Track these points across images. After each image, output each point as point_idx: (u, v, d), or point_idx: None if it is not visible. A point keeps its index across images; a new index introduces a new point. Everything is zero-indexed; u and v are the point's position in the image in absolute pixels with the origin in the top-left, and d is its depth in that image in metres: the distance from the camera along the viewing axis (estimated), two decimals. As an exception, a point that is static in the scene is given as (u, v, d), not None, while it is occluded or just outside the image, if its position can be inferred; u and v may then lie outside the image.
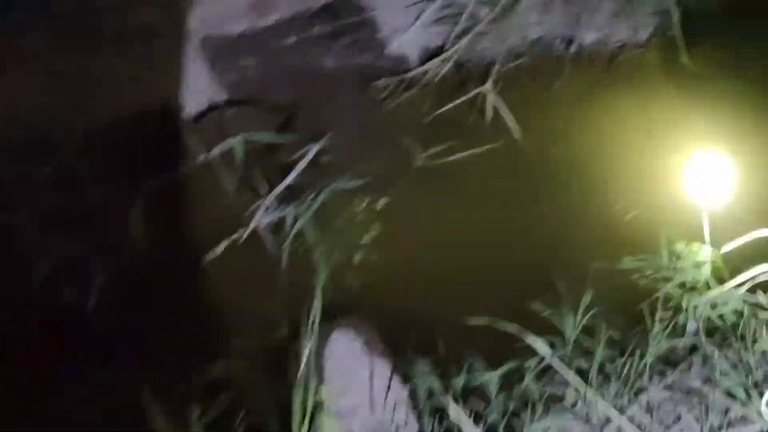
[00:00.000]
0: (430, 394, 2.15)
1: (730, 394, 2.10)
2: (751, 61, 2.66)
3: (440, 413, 2.12)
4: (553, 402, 2.14)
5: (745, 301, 2.21)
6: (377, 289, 2.39)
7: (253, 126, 2.67)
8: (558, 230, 2.49)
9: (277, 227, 2.50)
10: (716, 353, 2.17)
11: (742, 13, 2.73)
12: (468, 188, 2.61)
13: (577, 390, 2.15)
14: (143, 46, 2.71)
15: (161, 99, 2.70)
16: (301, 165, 2.59)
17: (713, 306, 2.23)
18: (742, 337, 2.18)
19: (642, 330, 2.23)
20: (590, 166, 2.57)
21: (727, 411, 2.09)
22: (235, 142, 2.58)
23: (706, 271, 2.28)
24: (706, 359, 2.18)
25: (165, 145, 2.65)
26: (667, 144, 2.56)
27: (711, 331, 2.23)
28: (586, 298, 2.23)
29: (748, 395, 2.08)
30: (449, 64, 2.80)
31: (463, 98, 2.76)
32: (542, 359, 2.19)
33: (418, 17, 2.83)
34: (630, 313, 2.26)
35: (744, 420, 2.06)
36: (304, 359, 2.10)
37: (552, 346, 2.21)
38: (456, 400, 2.12)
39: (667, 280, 2.29)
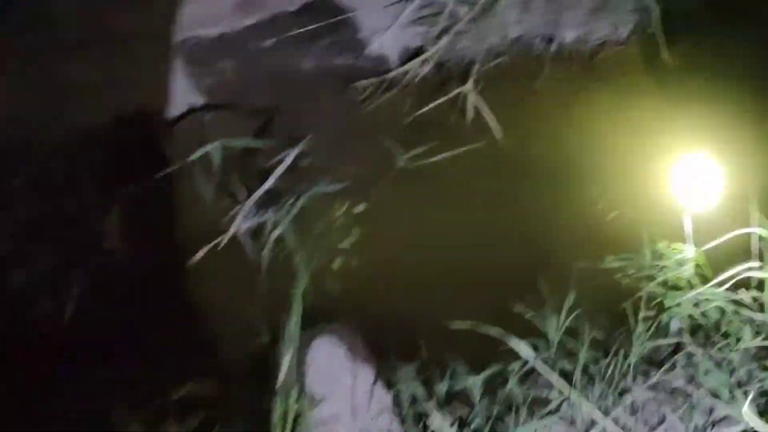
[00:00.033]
0: (414, 400, 2.13)
1: (715, 394, 2.09)
2: (732, 57, 2.65)
3: (424, 419, 2.10)
4: (538, 405, 2.13)
5: (728, 299, 2.20)
6: (358, 293, 2.38)
7: (232, 130, 2.65)
8: (540, 230, 2.48)
9: (257, 232, 2.48)
10: (700, 352, 2.16)
11: (722, 9, 2.72)
12: (449, 189, 2.60)
13: (561, 392, 2.14)
14: (121, 50, 2.68)
15: (139, 104, 2.67)
16: (280, 170, 2.57)
17: (696, 304, 2.22)
18: (726, 335, 2.18)
19: (626, 330, 2.22)
20: (572, 165, 2.56)
21: (711, 411, 2.08)
22: (213, 148, 2.56)
23: (689, 270, 2.27)
24: (690, 358, 2.17)
25: (143, 151, 2.63)
26: (648, 142, 2.55)
27: (694, 329, 2.22)
28: (570, 299, 2.22)
29: (732, 395, 2.07)
30: (430, 65, 2.79)
31: (443, 98, 2.74)
32: (526, 362, 2.17)
33: (397, 18, 2.81)
34: (613, 312, 2.25)
35: (728, 420, 2.05)
36: (284, 366, 2.08)
37: (535, 348, 2.19)
38: (440, 406, 2.11)
39: (650, 279, 2.28)
